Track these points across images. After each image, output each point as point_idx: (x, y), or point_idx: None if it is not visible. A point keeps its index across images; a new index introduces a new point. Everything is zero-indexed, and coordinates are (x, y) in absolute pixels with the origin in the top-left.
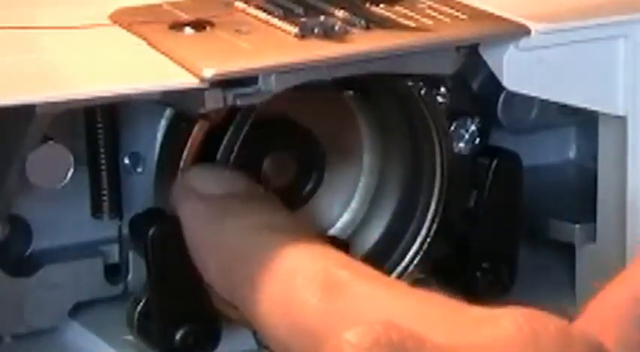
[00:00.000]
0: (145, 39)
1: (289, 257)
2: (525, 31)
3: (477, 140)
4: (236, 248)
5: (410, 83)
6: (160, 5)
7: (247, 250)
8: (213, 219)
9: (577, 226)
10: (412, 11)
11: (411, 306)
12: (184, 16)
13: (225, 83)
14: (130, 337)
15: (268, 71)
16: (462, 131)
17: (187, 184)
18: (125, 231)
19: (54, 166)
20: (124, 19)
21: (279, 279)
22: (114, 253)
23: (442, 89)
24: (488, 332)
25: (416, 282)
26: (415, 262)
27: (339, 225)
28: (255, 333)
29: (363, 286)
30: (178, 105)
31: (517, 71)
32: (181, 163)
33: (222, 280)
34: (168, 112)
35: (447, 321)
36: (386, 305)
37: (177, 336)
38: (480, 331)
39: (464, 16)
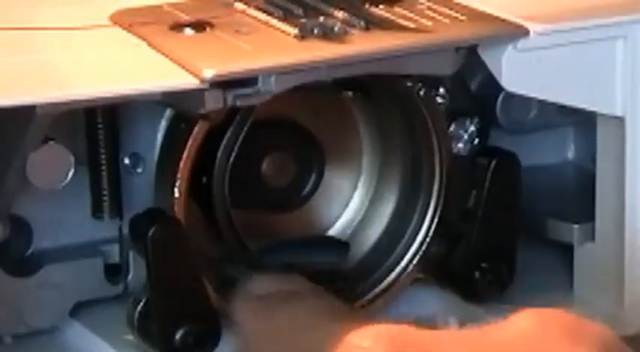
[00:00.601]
0: (145, 40)
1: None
2: (524, 32)
3: (476, 140)
4: (289, 335)
5: (409, 84)
6: (160, 6)
7: (299, 335)
8: (265, 313)
9: (576, 226)
10: (411, 12)
11: None
12: (184, 17)
13: (225, 84)
14: (131, 337)
15: (268, 72)
16: (461, 131)
17: (240, 291)
18: (125, 231)
19: (54, 166)
20: (124, 20)
21: None
22: (114, 253)
23: (441, 90)
24: (495, 330)
25: (415, 282)
26: (414, 262)
27: (338, 225)
28: None
29: None
30: (178, 105)
31: (516, 72)
32: (181, 163)
33: None
34: (168, 113)
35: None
36: None
37: (177, 336)
38: (487, 331)
39: (463, 17)
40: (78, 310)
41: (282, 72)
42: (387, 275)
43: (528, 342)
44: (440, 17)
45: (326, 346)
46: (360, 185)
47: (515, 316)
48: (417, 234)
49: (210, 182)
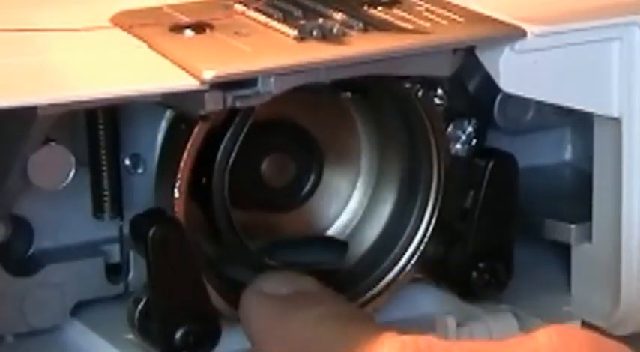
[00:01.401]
0: (145, 41)
1: (353, 344)
2: (521, 34)
3: (474, 141)
4: (301, 340)
5: (407, 85)
6: (160, 8)
7: (312, 341)
8: (278, 315)
9: (573, 226)
10: (409, 14)
11: None
12: (184, 19)
13: (224, 85)
14: (131, 336)
15: (267, 73)
16: (459, 132)
17: (254, 288)
18: (126, 231)
19: (55, 167)
20: (124, 21)
21: None
22: (115, 253)
23: (439, 91)
24: (517, 344)
25: (413, 282)
26: (412, 262)
27: (337, 225)
28: None
29: None
30: (178, 106)
31: (513, 73)
32: (181, 164)
33: None
34: (168, 114)
35: None
36: None
37: (177, 336)
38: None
39: (461, 19)
40: (79, 309)
41: (281, 73)
42: (386, 275)
43: None
44: (438, 19)
45: None
46: (359, 185)
47: (538, 331)
48: (415, 234)
49: (210, 182)
